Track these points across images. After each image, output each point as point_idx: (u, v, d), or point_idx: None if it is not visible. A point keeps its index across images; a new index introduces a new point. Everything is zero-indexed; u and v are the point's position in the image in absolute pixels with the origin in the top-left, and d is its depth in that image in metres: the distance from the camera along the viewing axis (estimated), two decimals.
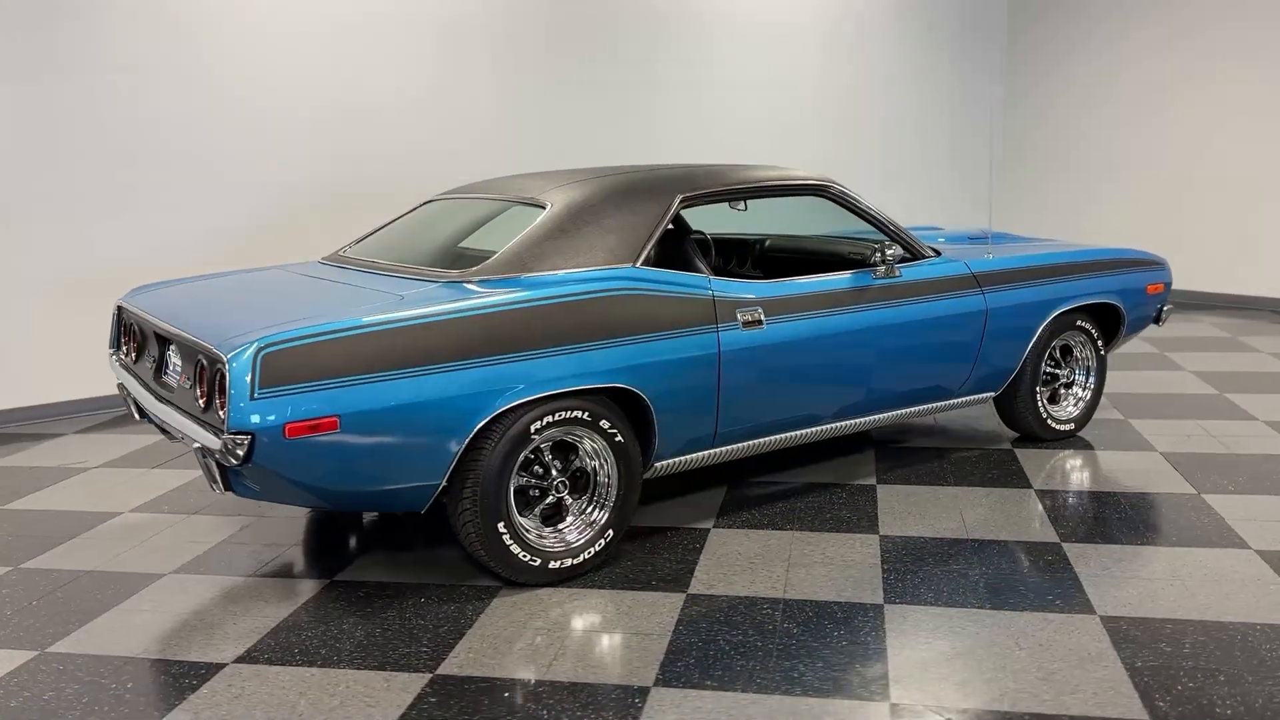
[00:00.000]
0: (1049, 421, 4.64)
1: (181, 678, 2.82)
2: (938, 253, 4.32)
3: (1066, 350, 4.74)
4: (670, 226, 4.00)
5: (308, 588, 3.39)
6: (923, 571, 3.34)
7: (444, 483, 3.10)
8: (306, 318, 2.97)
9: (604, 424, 3.32)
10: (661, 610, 3.12)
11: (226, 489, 2.97)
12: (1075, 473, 4.26)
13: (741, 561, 3.47)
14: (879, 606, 3.10)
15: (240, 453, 2.77)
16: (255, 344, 2.80)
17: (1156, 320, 5.00)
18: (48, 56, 5.53)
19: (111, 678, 2.82)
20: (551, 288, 3.26)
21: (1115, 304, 4.69)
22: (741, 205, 4.55)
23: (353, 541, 3.79)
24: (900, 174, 9.27)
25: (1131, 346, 6.92)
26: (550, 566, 3.30)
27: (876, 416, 4.10)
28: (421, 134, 6.75)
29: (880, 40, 8.98)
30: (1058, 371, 4.71)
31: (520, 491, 3.31)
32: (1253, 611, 2.98)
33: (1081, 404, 4.76)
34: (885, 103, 9.09)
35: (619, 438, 3.36)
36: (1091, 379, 4.78)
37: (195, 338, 3.04)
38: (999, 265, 4.33)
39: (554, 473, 3.32)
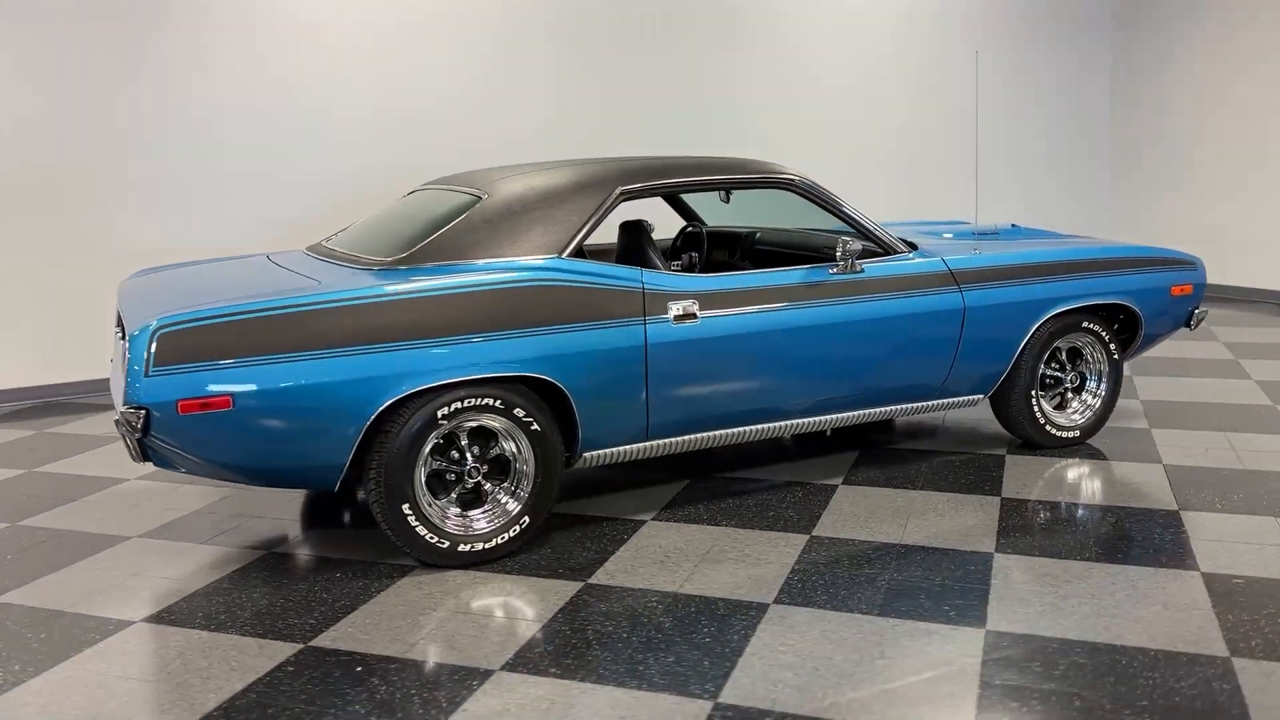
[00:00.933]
0: (1048, 427, 4.41)
1: (90, 632, 3.04)
2: (914, 247, 4.17)
3: (1076, 353, 4.49)
4: (619, 219, 4.01)
5: (244, 556, 3.58)
6: (830, 575, 3.26)
7: (348, 463, 3.22)
8: (215, 301, 3.14)
9: (518, 412, 3.37)
10: (551, 598, 3.16)
11: (144, 459, 3.18)
12: (1056, 483, 4.05)
13: (657, 555, 3.47)
14: (765, 606, 3.05)
15: (137, 425, 2.97)
16: (153, 324, 2.99)
17: (1189, 324, 4.68)
18: (141, 58, 5.98)
19: (32, 628, 3.07)
20: (465, 276, 3.34)
21: (1129, 306, 4.41)
22: (724, 197, 4.53)
23: (316, 516, 3.97)
24: (994, 174, 8.90)
25: (1204, 351, 6.46)
26: (460, 550, 3.38)
27: (838, 415, 4.00)
28: (478, 131, 6.94)
29: (974, 37, 8.64)
30: (1061, 375, 4.46)
31: (438, 475, 3.40)
32: (1154, 637, 2.79)
33: (1089, 411, 4.50)
34: (980, 102, 8.73)
35: (535, 426, 3.41)
36: (1104, 385, 4.51)
37: (124, 318, 3.26)
38: (981, 262, 4.14)
39: (469, 458, 3.40)
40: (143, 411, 2.96)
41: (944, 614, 2.96)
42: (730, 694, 2.57)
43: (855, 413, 4.04)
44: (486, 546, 3.41)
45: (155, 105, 6.11)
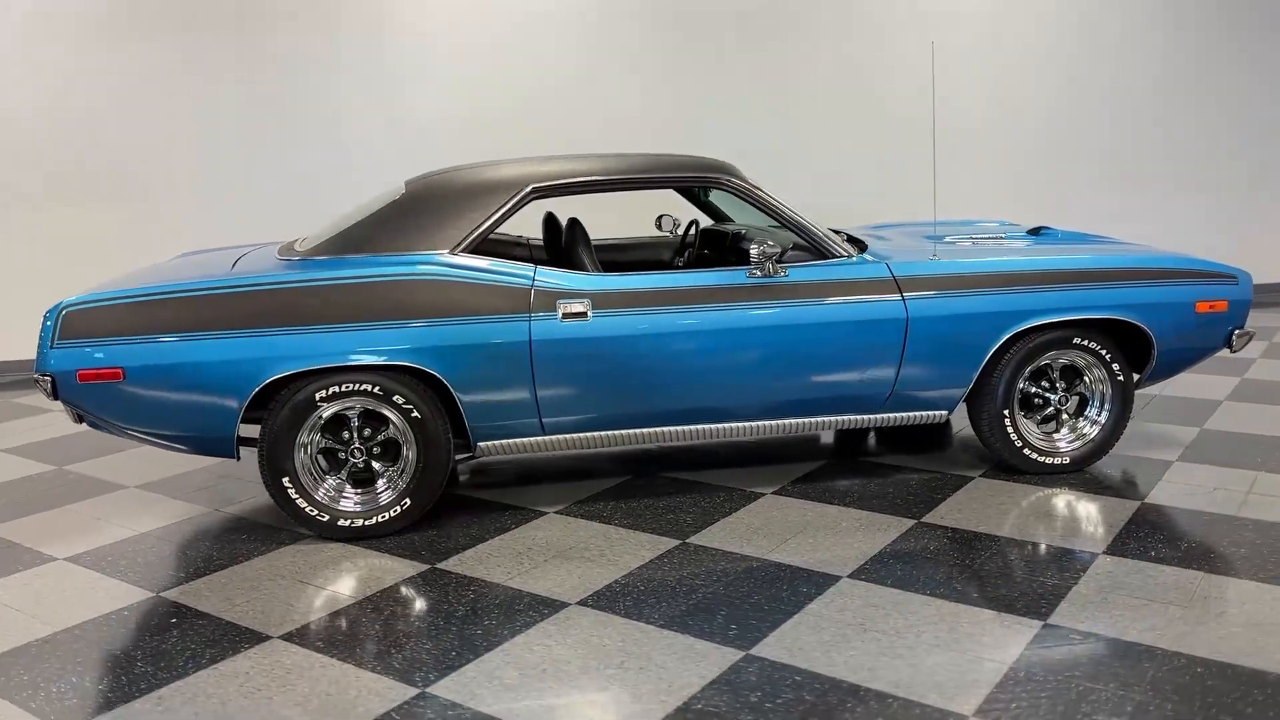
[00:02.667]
0: (1027, 451, 4.03)
1: (18, 564, 3.56)
2: (864, 248, 3.96)
3: (1075, 373, 4.07)
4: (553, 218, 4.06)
5: (193, 512, 4.02)
6: (656, 582, 3.22)
7: (236, 435, 3.54)
8: (129, 284, 3.56)
9: (397, 399, 3.56)
10: (388, 579, 3.34)
11: (79, 421, 3.65)
12: (992, 513, 3.71)
13: (521, 547, 3.55)
14: (563, 606, 3.08)
15: (47, 389, 3.43)
16: (62, 304, 3.44)
17: (1229, 346, 4.11)
18: (271, 59, 6.70)
19: None
20: (353, 269, 3.56)
21: (1134, 322, 3.94)
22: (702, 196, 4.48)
23: None
24: (1156, 187, 7.99)
25: None
26: (340, 524, 3.63)
27: (765, 423, 3.88)
28: (578, 123, 7.16)
29: (1150, 36, 7.79)
30: (1049, 396, 4.06)
31: (331, 452, 3.66)
32: (911, 685, 2.57)
33: (1081, 439, 4.07)
34: (1152, 106, 7.86)
35: (415, 414, 3.59)
36: (1105, 410, 4.06)
37: None
38: (932, 270, 3.85)
39: (355, 439, 3.63)
40: (49, 378, 3.42)
41: (723, 633, 2.87)
42: (443, 686, 2.65)
43: (786, 421, 3.89)
44: (366, 523, 3.64)
45: (283, 102, 6.78)
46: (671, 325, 3.67)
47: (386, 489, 3.67)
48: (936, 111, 7.60)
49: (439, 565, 3.43)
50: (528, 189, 3.78)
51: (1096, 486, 3.94)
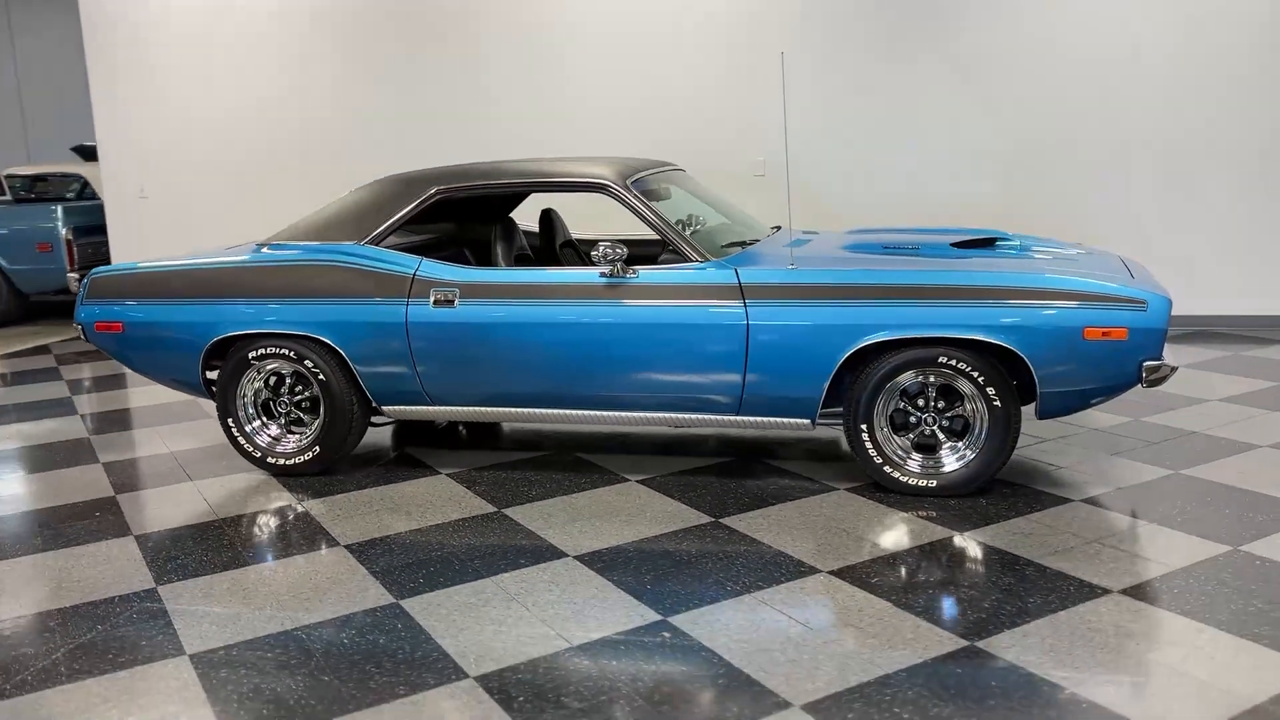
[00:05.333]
0: (887, 468, 3.91)
1: (69, 462, 4.81)
2: (749, 248, 4.09)
3: (953, 394, 3.88)
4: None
5: (219, 442, 5.08)
6: (420, 541, 3.70)
7: (203, 380, 4.50)
8: (146, 261, 4.65)
9: (308, 364, 4.33)
10: (255, 507, 4.13)
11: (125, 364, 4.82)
12: (793, 522, 3.70)
13: (373, 499, 4.16)
14: (333, 544, 3.68)
15: (82, 335, 4.62)
16: (92, 271, 4.60)
17: (1140, 379, 3.70)
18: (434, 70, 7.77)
19: (38, 451, 4.94)
20: (283, 254, 4.38)
21: (1005, 345, 3.70)
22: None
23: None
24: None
25: None
26: (269, 461, 4.47)
27: (623, 414, 4.14)
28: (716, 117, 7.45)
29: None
30: (918, 414, 3.91)
31: (272, 402, 4.52)
32: (471, 650, 2.90)
33: (936, 464, 3.88)
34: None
35: (321, 376, 4.33)
36: (983, 436, 3.83)
37: None
38: (777, 278, 3.88)
39: (286, 394, 4.45)
40: (80, 327, 4.60)
41: (399, 586, 3.31)
42: (172, 587, 3.39)
43: (642, 414, 4.12)
44: (287, 463, 4.45)
45: (477, 98, 7.80)
46: (525, 316, 4.07)
47: (297, 437, 4.45)
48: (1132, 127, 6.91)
49: (304, 503, 4.15)
50: (432, 190, 4.35)
51: (941, 513, 3.75)
